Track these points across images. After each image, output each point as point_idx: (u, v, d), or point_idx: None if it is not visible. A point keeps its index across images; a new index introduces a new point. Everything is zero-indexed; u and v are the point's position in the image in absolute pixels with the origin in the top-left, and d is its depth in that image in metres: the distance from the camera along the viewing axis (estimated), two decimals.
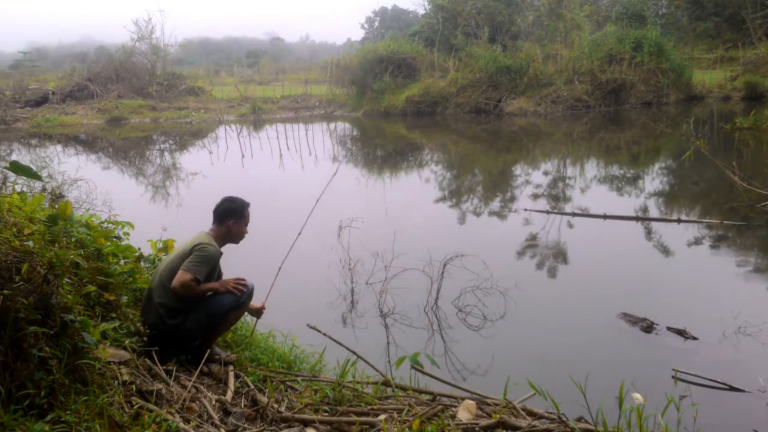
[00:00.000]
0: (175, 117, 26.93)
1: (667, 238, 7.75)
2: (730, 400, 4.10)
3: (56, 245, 3.12)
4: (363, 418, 3.12)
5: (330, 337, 4.34)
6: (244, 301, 3.67)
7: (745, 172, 9.21)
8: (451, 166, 15.61)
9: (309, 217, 4.35)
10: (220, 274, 3.77)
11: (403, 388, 3.66)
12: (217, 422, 3.06)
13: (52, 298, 2.58)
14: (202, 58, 57.03)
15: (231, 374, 3.60)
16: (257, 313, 4.02)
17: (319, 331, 4.46)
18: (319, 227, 8.13)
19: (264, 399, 3.32)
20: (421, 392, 3.67)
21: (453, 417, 3.14)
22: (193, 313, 3.57)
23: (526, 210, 9.39)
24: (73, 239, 3.48)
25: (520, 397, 3.45)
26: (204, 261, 3.54)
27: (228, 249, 3.86)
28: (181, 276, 3.47)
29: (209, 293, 3.63)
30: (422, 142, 19.90)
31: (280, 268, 4.11)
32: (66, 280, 2.86)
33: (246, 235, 3.87)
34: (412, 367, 3.71)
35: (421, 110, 25.14)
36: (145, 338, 3.54)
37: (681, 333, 5.02)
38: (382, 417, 3.12)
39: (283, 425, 3.13)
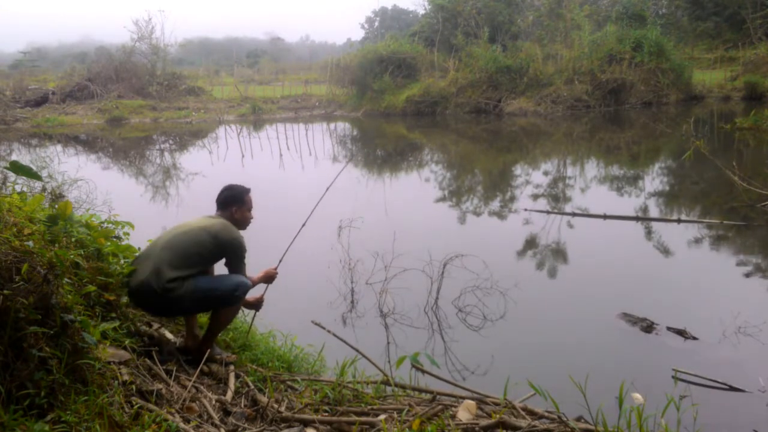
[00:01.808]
0: (175, 117, 26.92)
1: (667, 238, 7.75)
2: (730, 400, 4.09)
3: (56, 245, 3.12)
4: (363, 418, 3.13)
5: (333, 334, 4.36)
6: (238, 295, 3.61)
7: (745, 172, 9.20)
8: (451, 166, 15.61)
9: (314, 209, 4.33)
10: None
11: (404, 387, 3.67)
12: (217, 422, 3.07)
13: (52, 298, 2.58)
14: (202, 58, 57.04)
15: (231, 374, 3.60)
16: (255, 306, 3.99)
17: (323, 328, 4.48)
18: (319, 227, 8.13)
19: (264, 399, 3.32)
20: (421, 391, 3.68)
21: (453, 417, 3.14)
22: (189, 283, 3.50)
23: (526, 210, 9.39)
24: (73, 239, 3.48)
25: (520, 397, 3.45)
26: (244, 252, 3.72)
27: None
28: (243, 271, 3.71)
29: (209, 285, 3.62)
30: (422, 142, 19.90)
31: (280, 261, 4.10)
32: (66, 280, 2.86)
33: (252, 221, 3.92)
34: (413, 366, 3.71)
35: (421, 110, 25.13)
36: (129, 294, 3.51)
37: (681, 333, 5.03)
38: (382, 417, 3.13)
39: (283, 425, 3.13)
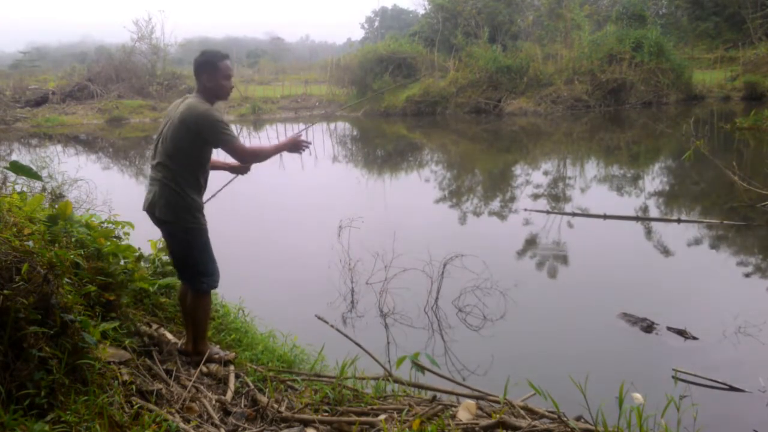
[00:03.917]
0: None
1: (667, 238, 7.75)
2: (730, 400, 4.10)
3: (56, 245, 3.12)
4: (363, 418, 3.13)
5: (336, 329, 4.39)
6: (204, 283, 3.53)
7: (745, 172, 9.20)
8: (451, 166, 15.61)
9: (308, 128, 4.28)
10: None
11: (405, 384, 3.68)
12: (217, 422, 3.07)
13: (52, 298, 2.58)
14: None
15: (231, 374, 3.60)
16: (296, 147, 3.68)
17: (326, 322, 4.50)
18: (319, 227, 8.14)
19: (264, 399, 3.32)
20: (423, 388, 3.67)
21: (453, 417, 3.14)
22: (200, 226, 3.49)
23: (526, 210, 9.39)
24: (73, 239, 3.48)
25: (520, 396, 3.45)
26: (220, 124, 3.38)
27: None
28: (235, 147, 3.40)
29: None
30: (422, 142, 19.90)
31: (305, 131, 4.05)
32: (66, 280, 2.86)
33: (231, 89, 3.60)
34: (414, 364, 3.72)
35: (421, 110, 25.12)
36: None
37: (681, 333, 5.03)
38: (382, 417, 3.13)
39: (283, 425, 3.13)
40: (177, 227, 3.47)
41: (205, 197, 3.65)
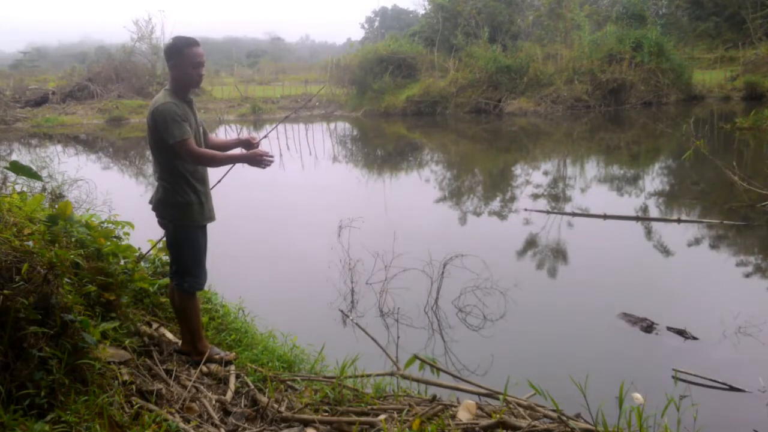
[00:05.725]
0: None
1: (667, 238, 7.74)
2: (730, 400, 4.10)
3: (56, 245, 3.12)
4: (363, 418, 3.13)
5: (357, 324, 4.44)
6: (187, 281, 3.52)
7: (745, 172, 9.20)
8: (451, 166, 15.61)
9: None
10: (205, 132, 3.62)
11: (416, 380, 3.69)
12: (217, 422, 3.07)
13: (52, 298, 2.58)
14: None
15: (231, 374, 3.60)
16: (252, 159, 3.44)
17: (347, 316, 4.53)
18: (319, 227, 8.14)
19: (264, 399, 3.32)
20: (431, 384, 3.69)
21: (453, 417, 3.14)
22: (188, 227, 3.51)
23: (526, 210, 9.39)
24: (73, 239, 3.48)
25: (521, 396, 3.45)
26: (169, 121, 3.22)
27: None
28: (177, 148, 3.25)
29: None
30: (422, 142, 19.89)
31: (265, 136, 4.09)
32: (66, 280, 2.86)
33: (201, 78, 3.40)
34: (422, 361, 3.72)
35: (421, 110, 25.11)
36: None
37: (681, 333, 5.03)
38: (382, 417, 3.13)
39: (283, 425, 3.13)
40: (168, 223, 3.53)
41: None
